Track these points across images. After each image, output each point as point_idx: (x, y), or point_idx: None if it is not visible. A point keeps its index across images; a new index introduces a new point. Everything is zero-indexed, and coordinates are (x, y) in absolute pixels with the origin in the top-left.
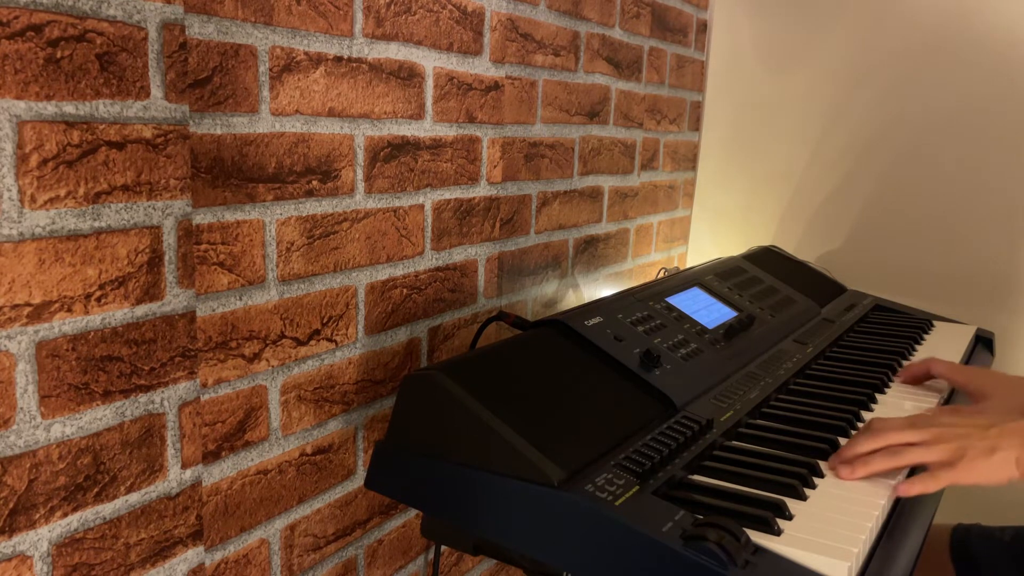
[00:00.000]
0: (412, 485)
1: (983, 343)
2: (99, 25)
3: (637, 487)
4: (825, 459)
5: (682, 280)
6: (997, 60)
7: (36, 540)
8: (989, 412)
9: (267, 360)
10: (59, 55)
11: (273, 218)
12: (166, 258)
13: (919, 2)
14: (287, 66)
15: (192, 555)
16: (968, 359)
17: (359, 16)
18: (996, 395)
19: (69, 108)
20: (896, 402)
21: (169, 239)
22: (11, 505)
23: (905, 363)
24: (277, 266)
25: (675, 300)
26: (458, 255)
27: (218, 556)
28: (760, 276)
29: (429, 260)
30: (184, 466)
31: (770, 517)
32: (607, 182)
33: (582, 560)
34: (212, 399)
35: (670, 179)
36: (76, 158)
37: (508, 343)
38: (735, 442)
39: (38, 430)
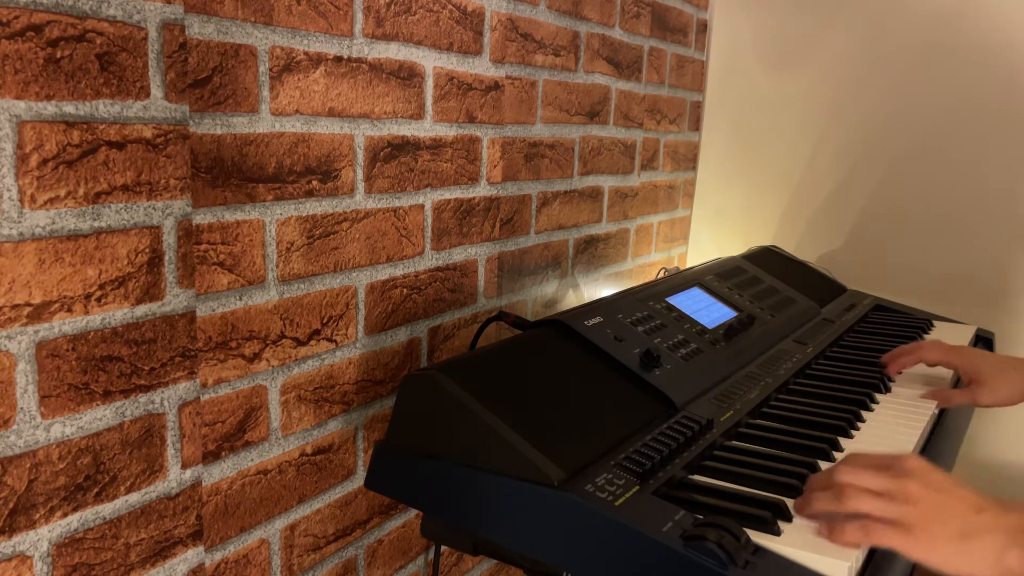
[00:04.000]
0: (412, 485)
1: (983, 343)
2: (99, 25)
3: (637, 487)
4: (825, 459)
5: (682, 280)
6: (997, 60)
7: (36, 540)
8: (988, 498)
9: (267, 360)
10: (59, 55)
11: (273, 218)
12: (166, 258)
13: (919, 2)
14: (287, 66)
15: (192, 555)
16: None
17: (359, 16)
18: (990, 381)
19: (69, 108)
20: (896, 402)
21: (169, 239)
22: (11, 505)
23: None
24: (277, 266)
25: (675, 300)
26: (458, 255)
27: (218, 556)
28: (760, 276)
29: (429, 260)
30: (184, 466)
31: (770, 517)
32: (607, 182)
33: (582, 560)
34: (212, 399)
35: (670, 179)
36: (76, 158)
37: (508, 343)
38: (735, 442)
39: (38, 430)
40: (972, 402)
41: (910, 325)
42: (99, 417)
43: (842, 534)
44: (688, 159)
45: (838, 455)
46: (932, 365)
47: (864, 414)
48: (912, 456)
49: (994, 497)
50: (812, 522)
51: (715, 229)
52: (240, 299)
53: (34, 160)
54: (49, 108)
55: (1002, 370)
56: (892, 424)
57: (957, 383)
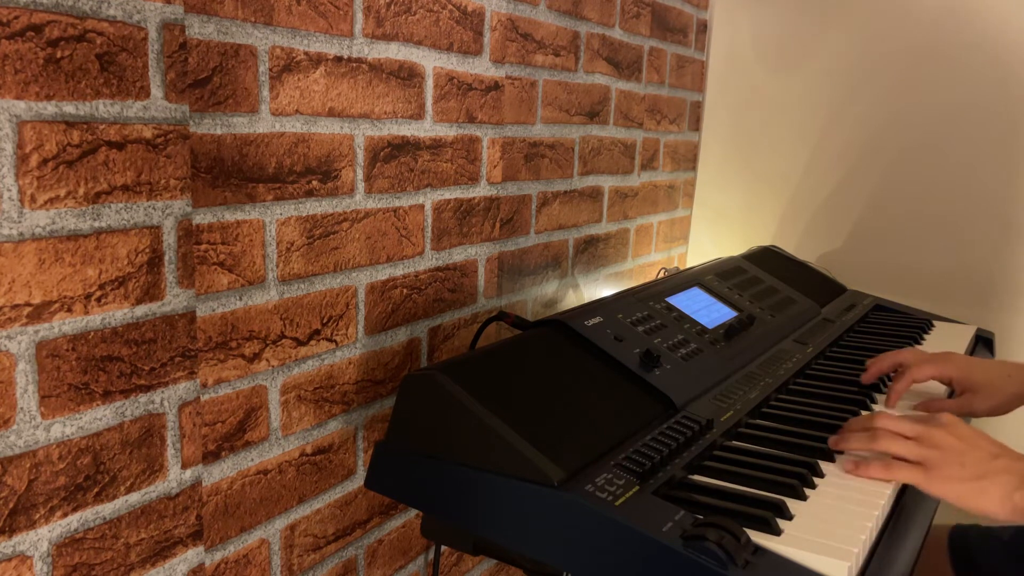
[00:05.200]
0: (412, 485)
1: (983, 343)
2: (99, 25)
3: (637, 487)
4: (825, 459)
5: (682, 280)
6: (996, 61)
7: (36, 540)
8: (1008, 449)
9: (267, 360)
10: (59, 55)
11: (273, 218)
12: (166, 258)
13: (918, 2)
14: (287, 66)
15: (192, 555)
16: None
17: (359, 16)
18: (983, 389)
19: (69, 108)
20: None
21: (169, 239)
22: (11, 505)
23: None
24: (277, 266)
25: (675, 300)
26: (458, 255)
27: (218, 556)
28: (760, 276)
29: (429, 260)
30: (184, 466)
31: (770, 517)
32: (607, 182)
33: (582, 560)
34: (212, 399)
35: (670, 179)
36: (76, 158)
37: (508, 343)
38: (735, 442)
39: (38, 430)
40: (968, 411)
41: (910, 325)
42: (99, 417)
43: (867, 469)
44: (688, 159)
45: (838, 455)
46: (923, 382)
47: (864, 414)
48: (947, 414)
49: (1013, 450)
50: (812, 522)
51: (715, 229)
52: (240, 299)
53: (34, 160)
54: (49, 108)
55: (994, 377)
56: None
57: (951, 395)
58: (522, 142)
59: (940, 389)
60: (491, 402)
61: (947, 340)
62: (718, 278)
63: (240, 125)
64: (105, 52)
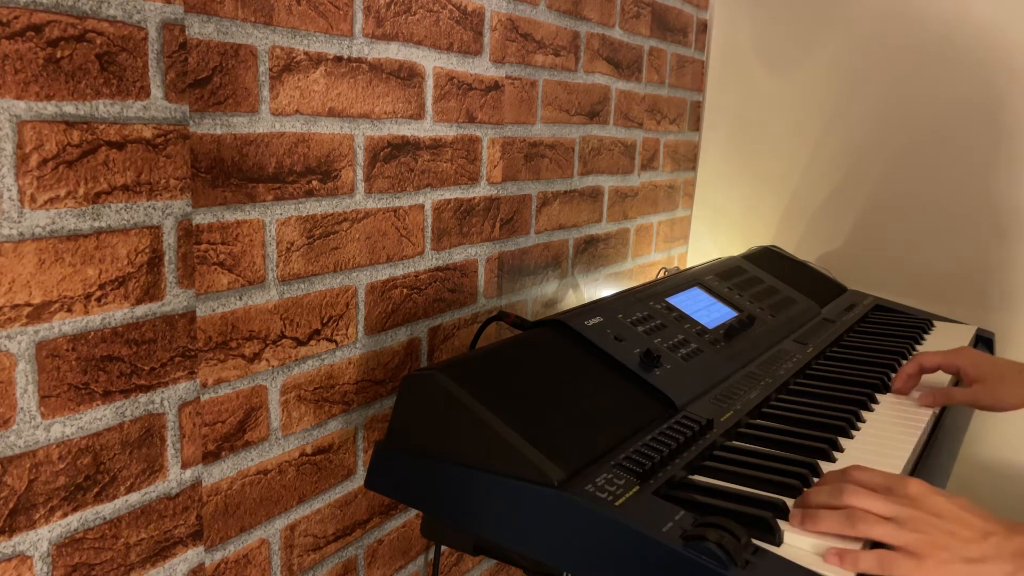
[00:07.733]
0: (412, 485)
1: (983, 343)
2: (99, 25)
3: (637, 487)
4: (825, 459)
5: (682, 280)
6: (997, 60)
7: (36, 540)
8: (994, 521)
9: (267, 360)
10: (59, 55)
11: (273, 218)
12: (166, 258)
13: (919, 2)
14: (287, 66)
15: (192, 555)
16: None
17: (359, 16)
18: (991, 383)
19: (69, 108)
20: (897, 402)
21: (169, 239)
22: (11, 505)
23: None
24: (277, 266)
25: (675, 300)
26: (458, 255)
27: (218, 556)
28: (760, 276)
29: (429, 260)
30: (184, 466)
31: (770, 517)
32: (607, 182)
33: (582, 560)
34: (212, 399)
35: (670, 179)
36: (76, 158)
37: (508, 343)
38: (735, 442)
39: (38, 430)
40: (972, 401)
41: (910, 325)
42: (99, 417)
43: (856, 562)
44: (688, 159)
45: (838, 455)
46: (933, 370)
47: (864, 414)
48: (913, 480)
49: (1000, 519)
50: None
51: (715, 229)
52: (240, 299)
53: (34, 160)
54: (49, 108)
55: (1004, 374)
56: (892, 424)
57: (956, 387)
58: (522, 142)
59: (945, 381)
60: (491, 402)
61: (947, 340)
62: (718, 278)
63: (240, 125)
64: (105, 52)
